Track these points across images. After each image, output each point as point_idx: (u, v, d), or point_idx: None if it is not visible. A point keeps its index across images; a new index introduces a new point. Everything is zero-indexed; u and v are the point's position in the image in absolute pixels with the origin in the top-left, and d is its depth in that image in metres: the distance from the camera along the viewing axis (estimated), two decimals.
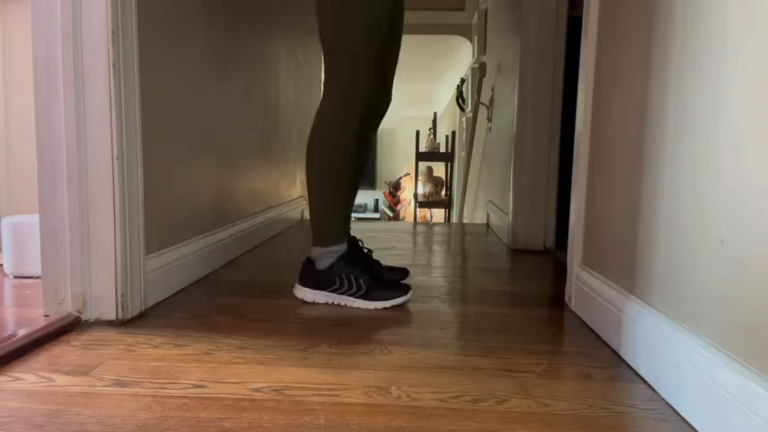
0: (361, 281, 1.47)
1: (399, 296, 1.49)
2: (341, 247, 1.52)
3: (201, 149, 1.77)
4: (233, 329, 1.26)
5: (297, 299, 1.52)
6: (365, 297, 1.47)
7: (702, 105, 0.87)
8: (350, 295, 1.48)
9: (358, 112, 1.47)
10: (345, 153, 1.49)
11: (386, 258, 2.14)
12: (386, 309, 1.46)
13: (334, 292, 1.49)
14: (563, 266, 1.77)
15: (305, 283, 1.52)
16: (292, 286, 1.55)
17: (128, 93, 1.28)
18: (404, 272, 1.72)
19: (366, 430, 0.82)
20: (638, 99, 1.12)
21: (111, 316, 1.29)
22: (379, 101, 1.58)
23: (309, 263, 1.52)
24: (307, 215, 3.30)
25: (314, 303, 1.49)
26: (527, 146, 2.40)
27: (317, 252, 1.52)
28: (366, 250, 1.62)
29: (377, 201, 10.23)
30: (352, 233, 1.62)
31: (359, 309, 1.46)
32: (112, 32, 1.22)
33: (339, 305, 1.49)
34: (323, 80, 1.50)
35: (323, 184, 1.51)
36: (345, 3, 1.42)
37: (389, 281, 1.56)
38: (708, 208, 0.84)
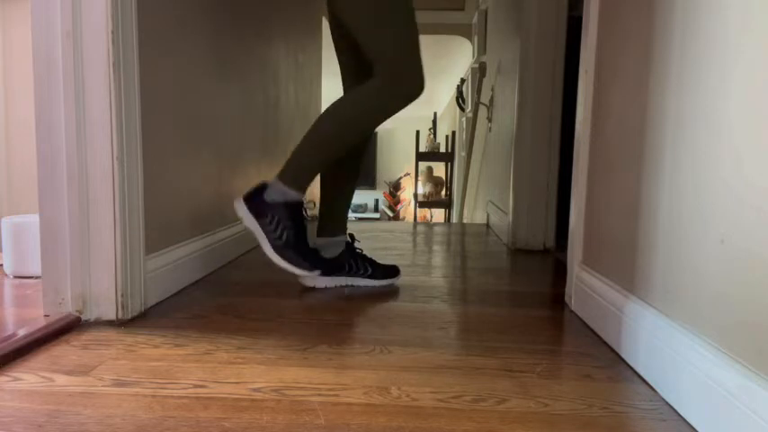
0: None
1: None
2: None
3: (202, 149, 1.77)
4: (233, 329, 1.26)
5: (298, 298, 1.52)
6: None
7: (702, 105, 0.87)
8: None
9: (402, 103, 1.52)
10: (363, 135, 1.58)
11: (386, 258, 2.14)
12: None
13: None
14: (563, 266, 1.77)
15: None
16: (294, 285, 1.55)
17: (128, 93, 1.28)
18: (394, 269, 1.73)
19: (366, 430, 0.82)
20: (639, 99, 1.12)
21: (112, 316, 1.29)
22: (420, 90, 1.60)
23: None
24: (307, 215, 3.30)
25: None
26: (527, 146, 2.40)
27: (274, 182, 1.55)
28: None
29: (377, 201, 10.23)
30: (354, 234, 1.65)
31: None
32: (112, 32, 1.23)
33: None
34: (375, 70, 1.50)
35: (327, 144, 1.54)
36: (383, 6, 1.46)
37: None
38: (708, 208, 0.85)
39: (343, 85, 1.72)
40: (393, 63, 1.49)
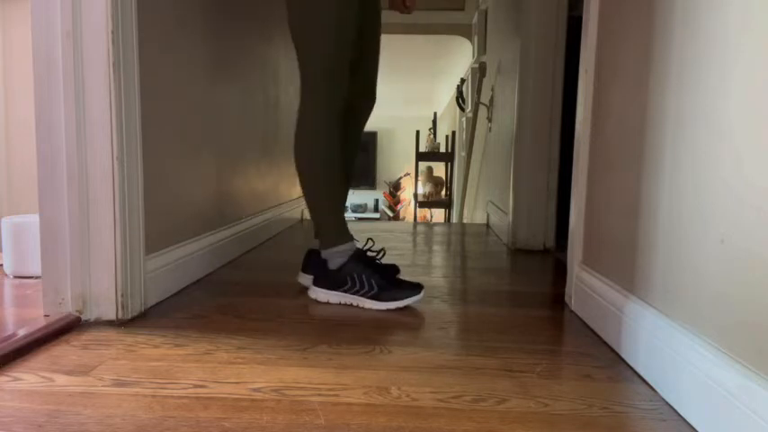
0: (373, 281, 1.47)
1: (411, 296, 1.47)
2: (350, 246, 1.53)
3: (201, 149, 1.77)
4: (233, 329, 1.26)
5: (298, 298, 1.52)
6: (376, 297, 1.46)
7: (702, 105, 0.87)
8: (362, 295, 1.48)
9: (335, 113, 1.50)
10: (332, 155, 1.51)
11: (386, 258, 2.14)
12: (398, 309, 1.46)
13: (346, 291, 1.49)
14: (563, 266, 1.77)
15: (319, 284, 1.52)
16: (293, 286, 1.55)
17: (128, 93, 1.28)
18: (393, 268, 1.72)
19: (366, 430, 0.82)
20: (638, 99, 1.12)
21: (112, 316, 1.29)
22: (361, 101, 1.61)
23: (323, 263, 1.53)
24: (307, 215, 3.30)
25: (319, 302, 1.50)
26: (527, 146, 2.40)
27: (327, 253, 1.53)
28: (374, 253, 1.60)
29: (377, 201, 10.23)
30: (354, 234, 1.62)
31: (369, 309, 1.46)
32: (112, 32, 1.22)
33: (351, 305, 1.49)
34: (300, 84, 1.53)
35: (318, 189, 1.53)
36: (310, 6, 1.45)
37: (401, 280, 1.54)
38: (708, 208, 0.84)
39: None
40: (308, 79, 1.49)
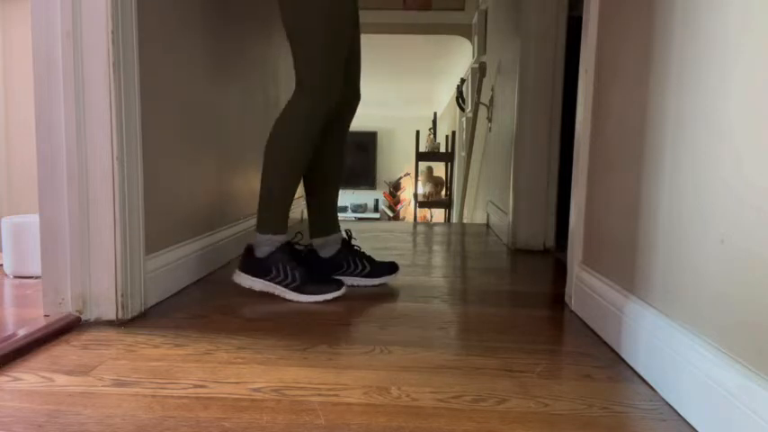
0: (297, 273, 1.51)
1: (330, 291, 1.52)
2: (281, 238, 1.56)
3: (201, 149, 1.77)
4: (233, 329, 1.26)
5: (296, 299, 1.52)
6: (298, 290, 1.50)
7: (702, 105, 0.87)
8: (284, 286, 1.51)
9: (325, 113, 1.52)
10: (306, 151, 1.54)
11: (386, 258, 2.14)
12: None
13: (270, 280, 1.52)
14: (563, 266, 1.77)
15: (244, 269, 1.54)
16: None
17: (128, 93, 1.28)
18: (392, 265, 1.73)
19: (366, 430, 0.82)
20: (638, 99, 1.12)
21: (112, 316, 1.29)
22: (348, 98, 1.63)
23: (249, 250, 1.55)
24: (306, 215, 3.30)
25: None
26: (527, 146, 2.40)
27: (259, 239, 1.55)
28: (301, 247, 1.65)
29: (377, 201, 10.23)
30: (354, 233, 1.64)
31: (297, 302, 1.49)
32: (112, 32, 1.22)
33: (274, 294, 1.52)
34: (295, 80, 1.54)
35: (278, 175, 1.55)
36: (301, 22, 1.48)
37: (320, 276, 1.59)
38: (708, 208, 0.84)
39: None
40: (305, 77, 1.51)
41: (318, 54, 1.49)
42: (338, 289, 1.53)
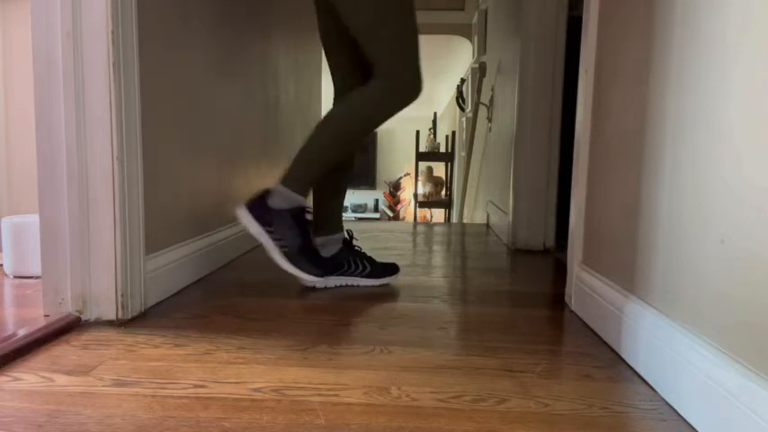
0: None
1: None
2: (298, 199, 1.54)
3: (201, 149, 1.77)
4: (233, 329, 1.26)
5: (298, 298, 1.52)
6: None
7: (702, 105, 0.87)
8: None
9: (406, 103, 1.54)
10: (362, 134, 1.58)
11: (386, 258, 2.14)
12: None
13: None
14: (563, 266, 1.77)
15: (257, 217, 1.52)
16: (293, 286, 1.55)
17: (128, 93, 1.28)
18: (392, 266, 1.73)
19: (366, 430, 0.82)
20: (638, 99, 1.12)
21: (112, 316, 1.29)
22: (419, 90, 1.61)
23: (265, 202, 1.52)
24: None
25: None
26: (527, 146, 2.40)
27: (277, 188, 1.53)
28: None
29: (377, 201, 10.23)
30: (354, 233, 1.64)
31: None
32: (112, 32, 1.23)
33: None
34: (375, 72, 1.52)
35: (328, 143, 1.54)
36: (386, 7, 1.47)
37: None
38: (708, 208, 0.85)
39: (335, 87, 1.71)
40: (393, 65, 1.50)
41: (408, 43, 1.49)
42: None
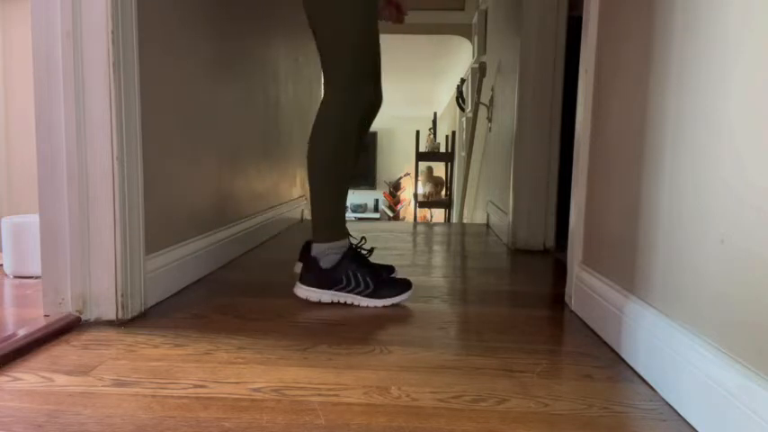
0: (368, 279, 1.48)
1: (404, 292, 1.50)
2: (345, 243, 1.52)
3: (201, 149, 1.77)
4: (233, 329, 1.26)
5: (298, 298, 1.51)
6: (372, 295, 1.48)
7: (702, 105, 0.87)
8: (357, 293, 1.48)
9: (359, 113, 1.50)
10: (348, 152, 1.51)
11: (386, 258, 2.14)
12: (393, 305, 1.48)
13: (341, 290, 1.49)
14: (563, 266, 1.77)
15: (309, 283, 1.50)
16: (292, 286, 1.55)
17: (128, 93, 1.28)
18: (389, 269, 1.72)
19: (366, 430, 0.82)
20: (639, 99, 1.12)
21: (112, 316, 1.29)
22: (375, 100, 1.60)
23: (313, 261, 1.51)
24: (307, 215, 3.30)
25: (317, 303, 1.49)
26: (527, 146, 2.40)
27: (320, 249, 1.51)
28: (365, 250, 1.61)
29: (377, 201, 10.23)
30: (354, 233, 1.62)
31: (365, 307, 1.47)
32: (112, 32, 1.22)
33: (345, 303, 1.49)
34: (323, 81, 1.51)
35: (327, 182, 1.52)
36: (340, 16, 1.44)
37: (389, 278, 1.56)
38: (708, 208, 0.84)
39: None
40: (335, 79, 1.48)
41: (348, 55, 1.46)
42: (410, 288, 1.52)
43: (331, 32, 1.47)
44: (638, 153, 1.12)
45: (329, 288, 1.49)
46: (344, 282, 1.48)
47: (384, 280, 1.51)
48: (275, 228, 2.66)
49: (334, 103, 1.49)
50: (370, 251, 1.62)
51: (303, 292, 1.51)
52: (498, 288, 1.74)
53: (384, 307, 1.47)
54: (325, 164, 1.51)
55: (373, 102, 1.56)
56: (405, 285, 1.51)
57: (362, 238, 1.63)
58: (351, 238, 1.57)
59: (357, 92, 1.49)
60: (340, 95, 1.49)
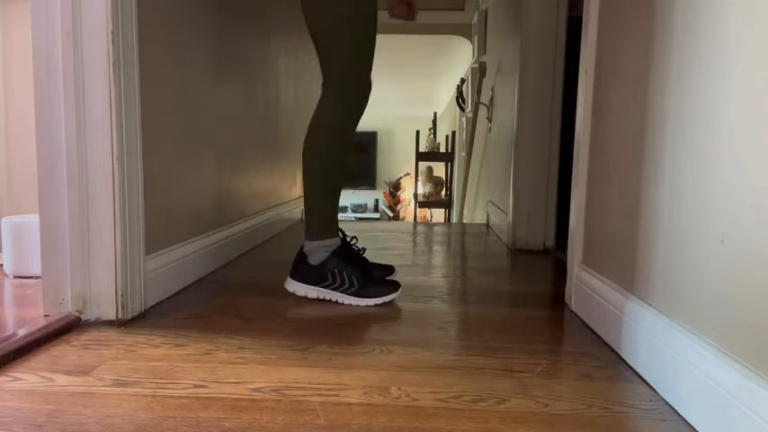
0: (354, 278, 1.49)
1: (389, 293, 1.51)
2: (335, 242, 1.53)
3: (201, 149, 1.77)
4: (233, 329, 1.26)
5: (298, 298, 1.52)
6: (356, 294, 1.49)
7: (702, 105, 0.87)
8: (341, 291, 1.50)
9: (356, 114, 1.51)
10: (343, 152, 1.52)
11: (386, 258, 2.14)
12: (376, 306, 1.48)
13: (326, 287, 1.50)
14: (563, 266, 1.77)
15: (297, 277, 1.53)
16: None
17: (128, 93, 1.28)
18: (389, 269, 1.72)
19: (366, 430, 0.82)
20: (639, 99, 1.12)
21: (112, 316, 1.29)
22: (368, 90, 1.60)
23: (302, 257, 1.53)
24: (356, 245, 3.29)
25: (307, 299, 1.50)
26: (527, 146, 2.40)
27: (310, 246, 1.53)
28: (357, 249, 1.62)
29: (377, 201, 10.23)
30: (351, 233, 1.63)
31: (350, 306, 1.48)
32: (112, 32, 1.22)
33: (330, 301, 1.50)
34: (322, 81, 1.51)
35: (322, 181, 1.53)
36: (335, 3, 1.44)
37: (378, 278, 1.57)
38: (708, 208, 0.84)
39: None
40: (334, 76, 1.49)
41: (345, 55, 1.47)
42: (396, 290, 1.52)
43: (328, 34, 1.47)
44: (637, 153, 1.12)
45: (315, 284, 1.51)
46: (330, 279, 1.49)
47: (372, 280, 1.52)
48: (275, 228, 2.66)
49: (331, 104, 1.50)
50: (362, 251, 1.63)
51: (291, 285, 1.54)
52: (498, 288, 1.74)
53: (367, 306, 1.48)
54: (320, 163, 1.52)
55: (368, 96, 1.57)
56: (391, 287, 1.52)
57: (353, 237, 1.64)
58: (350, 239, 1.58)
59: (354, 92, 1.50)
60: (337, 96, 1.50)
